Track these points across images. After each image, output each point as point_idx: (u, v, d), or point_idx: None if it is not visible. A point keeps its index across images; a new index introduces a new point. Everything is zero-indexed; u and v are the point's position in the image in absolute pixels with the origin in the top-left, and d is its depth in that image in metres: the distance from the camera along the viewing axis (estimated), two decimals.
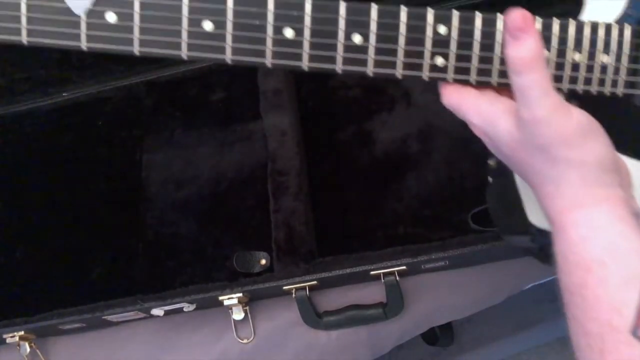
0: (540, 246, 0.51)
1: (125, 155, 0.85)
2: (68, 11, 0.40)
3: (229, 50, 0.42)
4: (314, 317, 0.70)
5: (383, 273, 0.68)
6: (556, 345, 1.10)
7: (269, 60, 0.42)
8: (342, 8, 0.42)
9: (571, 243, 0.40)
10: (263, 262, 0.73)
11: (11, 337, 0.70)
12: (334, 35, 0.42)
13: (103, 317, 0.70)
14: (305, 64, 0.43)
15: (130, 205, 0.81)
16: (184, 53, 0.41)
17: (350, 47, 0.42)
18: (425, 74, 0.44)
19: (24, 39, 0.40)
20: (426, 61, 0.43)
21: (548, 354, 1.10)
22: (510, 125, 0.41)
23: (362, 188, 0.77)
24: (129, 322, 0.74)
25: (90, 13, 0.40)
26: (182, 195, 0.81)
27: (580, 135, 0.39)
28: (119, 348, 0.74)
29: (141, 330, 0.74)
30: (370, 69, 0.43)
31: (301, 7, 0.41)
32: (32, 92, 0.88)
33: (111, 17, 0.40)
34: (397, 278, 0.68)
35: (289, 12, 0.41)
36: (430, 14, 0.42)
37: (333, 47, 0.42)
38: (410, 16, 0.42)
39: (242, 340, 0.72)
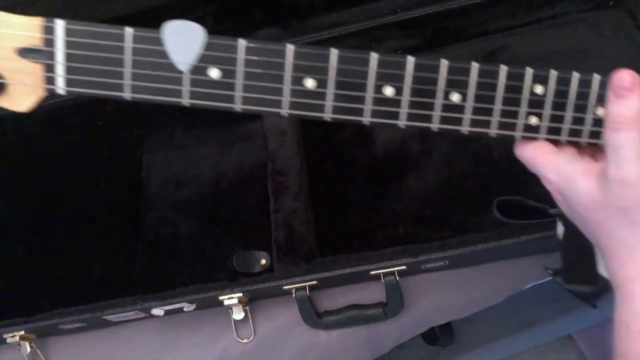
0: (594, 293, 0.51)
1: (125, 155, 0.85)
2: (172, 67, 0.40)
3: (329, 108, 0.42)
4: (314, 317, 0.70)
5: (383, 273, 0.68)
6: (556, 345, 1.10)
7: (367, 119, 0.42)
8: (444, 67, 0.42)
9: (637, 312, 0.39)
10: (263, 262, 0.73)
11: (11, 337, 0.70)
12: (433, 94, 0.42)
13: (103, 317, 0.70)
14: (402, 122, 0.43)
15: (130, 205, 0.81)
16: (285, 111, 0.41)
17: (448, 106, 0.43)
18: (519, 134, 0.44)
19: (128, 95, 0.40)
20: (520, 121, 0.44)
21: (548, 354, 1.10)
22: (590, 185, 0.41)
23: (362, 188, 0.77)
24: (129, 322, 0.74)
25: (194, 69, 0.40)
26: (182, 195, 0.81)
27: None
28: (119, 348, 0.74)
29: (141, 330, 0.74)
30: (465, 128, 0.44)
31: (403, 66, 0.41)
32: None
33: (214, 73, 0.40)
34: (397, 278, 0.68)
35: (391, 71, 0.41)
36: (528, 74, 0.43)
37: (431, 106, 0.43)
38: (509, 76, 0.43)
39: (242, 340, 0.72)
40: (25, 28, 0.39)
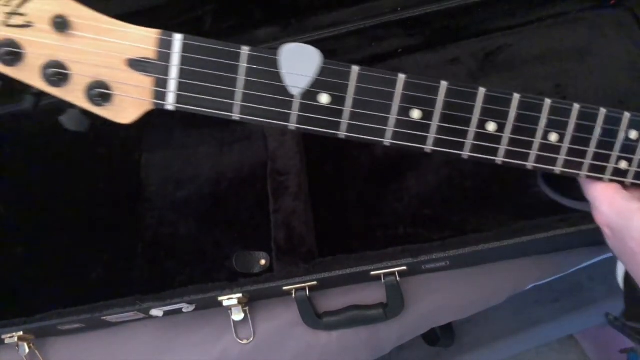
0: None
1: (125, 155, 0.84)
2: (284, 91, 0.39)
3: (430, 140, 0.42)
4: (314, 317, 0.69)
5: (383, 273, 0.68)
6: (557, 346, 1.10)
7: (466, 153, 0.43)
8: (547, 107, 0.42)
9: None
10: (263, 262, 0.73)
11: (10, 337, 0.70)
12: (533, 133, 0.43)
13: (102, 318, 0.70)
14: (500, 158, 0.44)
15: (129, 205, 0.81)
16: (387, 140, 0.41)
17: (545, 146, 0.44)
18: (607, 177, 0.46)
19: (236, 115, 0.40)
20: (611, 164, 0.45)
21: (548, 354, 1.10)
22: None
23: (362, 188, 0.77)
24: (128, 322, 0.74)
25: (305, 94, 0.39)
26: (181, 195, 0.81)
27: None
28: (118, 349, 0.74)
29: (140, 331, 0.74)
30: (558, 168, 0.45)
31: (508, 103, 0.42)
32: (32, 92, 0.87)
33: (324, 98, 0.40)
34: (398, 278, 0.68)
35: (496, 107, 0.42)
36: (625, 118, 0.44)
37: (529, 145, 0.43)
38: (607, 120, 0.43)
39: (242, 341, 0.71)
40: (139, 40, 0.38)
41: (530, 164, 0.44)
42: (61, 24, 0.37)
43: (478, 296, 0.71)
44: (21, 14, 0.36)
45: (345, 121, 0.40)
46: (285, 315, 0.71)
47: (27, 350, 0.71)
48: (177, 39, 0.38)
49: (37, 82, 0.39)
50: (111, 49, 0.38)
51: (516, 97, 0.42)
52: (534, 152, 0.44)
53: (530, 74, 0.81)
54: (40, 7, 0.36)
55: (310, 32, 0.82)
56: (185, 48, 0.38)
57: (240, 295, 0.68)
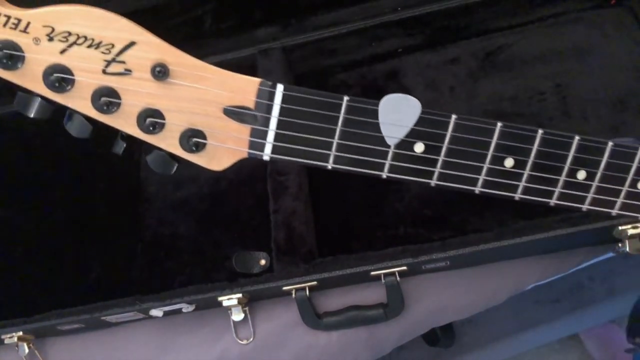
0: None
1: (124, 155, 0.84)
2: (381, 141, 0.39)
3: (520, 189, 0.42)
4: (314, 317, 0.69)
5: (383, 273, 0.67)
6: (557, 346, 1.10)
7: (553, 201, 0.43)
8: (638, 157, 0.42)
9: None
10: (263, 262, 0.72)
11: (9, 337, 0.70)
12: (622, 181, 0.43)
13: (102, 318, 0.70)
14: (586, 206, 0.44)
15: (129, 205, 0.81)
16: (478, 189, 0.41)
17: (632, 194, 0.44)
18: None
19: (330, 164, 0.39)
20: None
21: (549, 354, 1.10)
22: None
23: (362, 188, 0.77)
24: (127, 322, 0.74)
25: (400, 143, 0.39)
26: (181, 195, 0.80)
27: None
28: (118, 349, 0.74)
29: (140, 331, 0.74)
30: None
31: (602, 152, 0.41)
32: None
33: (419, 147, 0.39)
34: (398, 278, 0.68)
35: (587, 156, 0.42)
36: None
37: (617, 193, 0.44)
38: None
39: (242, 341, 0.71)
40: (239, 89, 0.37)
41: (615, 211, 0.44)
42: (161, 72, 0.36)
43: (478, 296, 0.71)
44: (121, 62, 0.35)
45: (437, 170, 0.40)
46: (285, 316, 0.71)
47: (27, 350, 0.71)
48: (279, 90, 0.37)
49: (133, 130, 0.38)
50: (209, 97, 0.37)
51: (610, 145, 0.41)
52: (620, 200, 0.44)
53: (530, 74, 0.80)
54: (141, 55, 0.35)
55: (310, 32, 0.82)
56: (286, 99, 0.38)
57: (240, 295, 0.68)
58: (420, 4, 0.81)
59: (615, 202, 0.43)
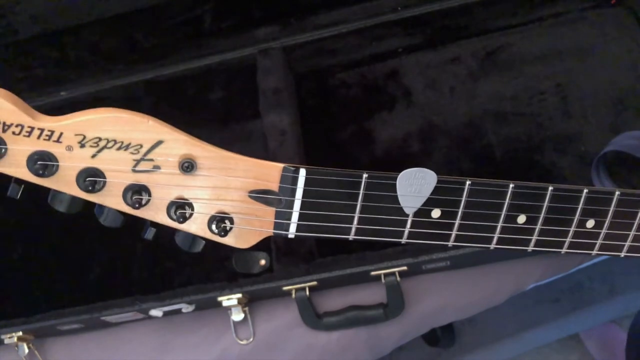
0: None
1: None
2: (399, 211, 0.40)
3: (532, 242, 0.43)
4: (314, 317, 0.69)
5: (384, 273, 0.67)
6: (557, 346, 1.10)
7: (564, 250, 0.44)
8: None
9: None
10: (262, 262, 0.72)
11: (9, 337, 0.70)
12: (629, 227, 0.44)
13: (101, 318, 0.70)
14: (595, 251, 0.45)
15: None
16: (492, 246, 0.42)
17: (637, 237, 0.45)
18: None
19: (351, 236, 0.41)
20: None
21: (549, 355, 1.10)
22: None
23: None
24: (127, 323, 0.73)
25: (418, 212, 0.40)
26: None
27: None
28: (117, 349, 0.74)
29: (140, 331, 0.74)
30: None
31: (610, 202, 0.43)
32: (31, 92, 0.87)
33: (436, 213, 0.41)
34: (398, 278, 0.68)
35: (595, 207, 0.43)
36: None
37: (624, 238, 0.45)
38: None
39: (242, 341, 0.71)
40: (262, 175, 0.39)
41: (623, 254, 0.46)
42: (188, 167, 0.37)
43: (478, 296, 0.71)
44: (149, 160, 0.37)
45: (453, 233, 0.42)
46: (285, 316, 0.71)
47: (27, 350, 0.71)
48: (302, 174, 0.39)
49: (162, 219, 0.40)
50: (235, 184, 0.38)
51: (617, 193, 0.43)
52: (627, 244, 0.45)
53: (531, 73, 0.80)
54: (168, 152, 0.37)
55: (310, 32, 0.82)
56: (308, 181, 0.39)
57: (239, 295, 0.68)
58: (420, 4, 0.81)
59: (623, 245, 0.45)
